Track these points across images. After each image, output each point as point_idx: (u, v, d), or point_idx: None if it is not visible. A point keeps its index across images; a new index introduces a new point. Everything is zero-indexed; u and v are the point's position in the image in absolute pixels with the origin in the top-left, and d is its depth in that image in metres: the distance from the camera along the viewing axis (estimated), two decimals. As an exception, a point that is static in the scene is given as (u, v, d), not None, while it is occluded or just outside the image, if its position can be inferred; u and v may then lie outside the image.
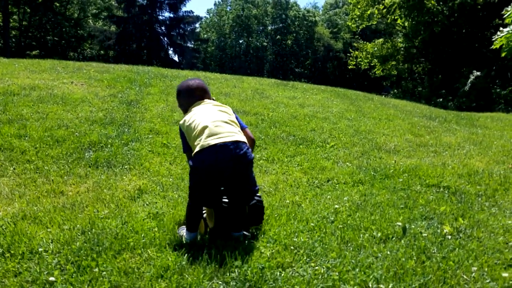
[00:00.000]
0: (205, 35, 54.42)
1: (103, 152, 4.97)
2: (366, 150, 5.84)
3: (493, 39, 16.61)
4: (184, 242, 2.90)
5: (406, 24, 21.64)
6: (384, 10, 23.02)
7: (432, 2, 19.82)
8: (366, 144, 6.16)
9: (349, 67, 29.58)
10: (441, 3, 20.36)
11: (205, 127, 2.81)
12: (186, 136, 2.98)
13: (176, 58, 43.92)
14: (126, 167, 4.64)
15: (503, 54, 17.09)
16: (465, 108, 16.33)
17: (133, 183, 4.19)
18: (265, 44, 57.82)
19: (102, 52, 42.08)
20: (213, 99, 3.24)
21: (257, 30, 58.19)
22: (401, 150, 6.01)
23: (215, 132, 2.79)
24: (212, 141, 2.75)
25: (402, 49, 24.22)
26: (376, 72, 26.43)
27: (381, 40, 25.78)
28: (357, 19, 26.25)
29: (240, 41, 57.00)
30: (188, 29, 44.09)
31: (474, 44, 20.02)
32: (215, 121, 2.86)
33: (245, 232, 2.99)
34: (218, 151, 2.72)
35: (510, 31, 16.99)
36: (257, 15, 57.20)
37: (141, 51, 41.34)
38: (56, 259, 2.62)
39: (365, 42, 28.18)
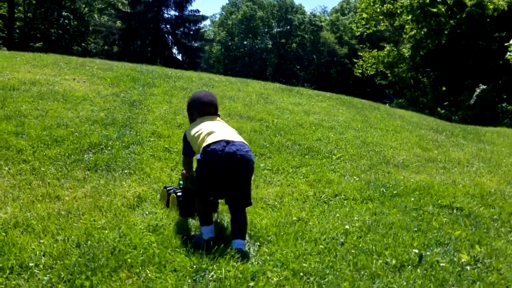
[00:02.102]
0: (212, 35, 54.20)
1: (103, 155, 4.78)
2: (373, 164, 5.66)
3: (507, 54, 16.45)
4: (204, 237, 2.99)
5: (413, 32, 21.43)
6: (389, 15, 22.85)
7: (440, 7, 19.64)
8: (374, 157, 5.97)
9: (355, 74, 29.39)
10: (449, 12, 20.19)
11: (214, 130, 3.09)
12: (190, 145, 3.25)
13: (179, 57, 43.80)
14: (126, 171, 4.46)
15: (513, 68, 16.84)
16: (469, 121, 16.14)
17: (132, 190, 4.00)
18: (269, 46, 57.75)
19: (106, 47, 41.91)
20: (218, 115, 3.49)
21: (262, 32, 58.11)
22: (410, 165, 5.83)
23: (225, 132, 3.11)
24: (222, 137, 3.01)
25: (408, 57, 24.03)
26: (383, 79, 26.23)
27: (388, 47, 25.58)
28: (364, 23, 26.08)
29: (245, 43, 56.90)
30: (193, 28, 43.98)
31: (480, 57, 19.86)
32: (225, 131, 3.16)
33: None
34: (230, 144, 2.97)
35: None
36: (263, 17, 57.12)
37: (145, 48, 41.23)
38: (47, 275, 2.44)
39: (370, 50, 28.00)
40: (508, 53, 16.19)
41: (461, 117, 17.53)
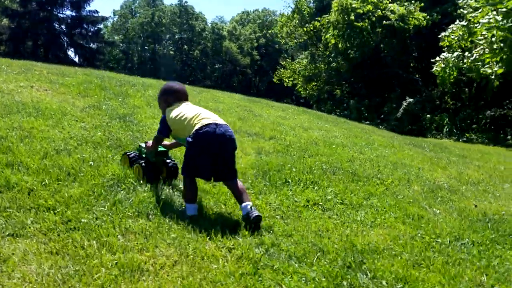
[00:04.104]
0: (110, 38, 50.87)
1: (141, 192, 3.57)
2: (430, 189, 5.10)
3: (434, 68, 17.31)
4: (188, 213, 3.32)
5: (339, 45, 21.86)
6: (312, 31, 23.16)
7: (365, 24, 20.25)
8: (419, 180, 5.43)
9: (274, 81, 29.39)
10: (373, 27, 20.87)
11: (200, 113, 3.43)
12: (169, 126, 3.55)
13: (76, 59, 40.37)
14: (173, 217, 3.34)
15: (438, 81, 17.87)
16: (399, 133, 16.71)
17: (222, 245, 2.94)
18: (172, 52, 55.89)
19: (-8, 47, 37.03)
20: None
21: (164, 38, 56.08)
22: (459, 189, 5.37)
23: (211, 116, 3.46)
24: (212, 120, 3.37)
25: (326, 70, 24.52)
26: (301, 92, 26.47)
27: (306, 60, 25.92)
28: (285, 36, 26.17)
29: (146, 47, 54.40)
30: (92, 29, 40.84)
31: (403, 70, 20.85)
32: (211, 114, 3.50)
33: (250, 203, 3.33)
34: (218, 126, 3.33)
35: (442, 63, 17.72)
36: (164, 23, 55.18)
37: (37, 49, 37.25)
38: None
39: (292, 61, 28.19)
40: (434, 67, 17.13)
41: (389, 128, 18.08)
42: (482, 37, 14.69)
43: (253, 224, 3.22)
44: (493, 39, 14.13)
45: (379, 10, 20.15)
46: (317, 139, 6.64)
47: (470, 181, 5.94)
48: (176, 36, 56.98)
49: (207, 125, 3.31)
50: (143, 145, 4.00)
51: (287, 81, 26.68)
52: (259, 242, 3.09)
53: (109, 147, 4.50)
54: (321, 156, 5.68)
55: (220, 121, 3.42)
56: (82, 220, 3.01)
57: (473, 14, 16.00)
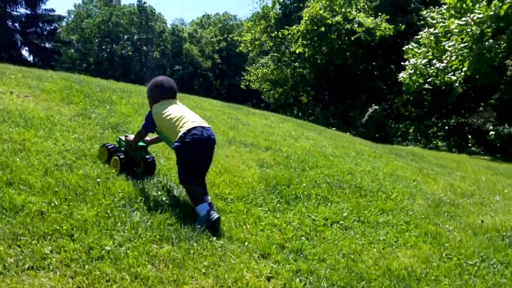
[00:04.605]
0: (65, 38, 49.06)
1: (159, 213, 3.32)
2: (435, 203, 5.09)
3: (400, 75, 17.69)
4: (202, 216, 3.29)
5: (307, 54, 21.94)
6: (278, 39, 23.18)
7: (334, 36, 20.49)
8: (421, 194, 5.42)
9: (242, 86, 29.20)
10: (341, 38, 21.11)
11: (185, 116, 3.53)
12: (154, 122, 3.65)
13: (31, 58, 38.64)
14: (208, 236, 3.13)
15: (403, 89, 18.28)
16: (368, 140, 16.96)
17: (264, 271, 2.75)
18: (130, 53, 54.59)
19: None
20: None
21: (122, 38, 54.69)
22: (461, 203, 5.38)
23: (196, 119, 3.57)
24: (198, 124, 3.49)
25: (290, 77, 24.61)
26: (268, 96, 26.42)
27: (272, 65, 25.92)
28: (249, 43, 26.07)
29: (103, 47, 52.85)
30: (48, 28, 39.29)
31: (368, 77, 21.20)
32: (195, 117, 3.61)
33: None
34: (204, 129, 3.48)
35: (410, 70, 18.14)
36: (122, 23, 53.83)
37: (-12, 47, 35.34)
38: None
39: (257, 67, 28.11)
40: (401, 74, 17.50)
41: (356, 134, 18.31)
42: (450, 45, 15.15)
43: (213, 227, 3.27)
44: (461, 46, 14.61)
45: (347, 23, 20.42)
46: (310, 150, 6.53)
47: (464, 193, 5.99)
48: (135, 37, 55.73)
49: (194, 128, 3.42)
50: (123, 138, 4.03)
51: (254, 86, 26.57)
52: (296, 269, 2.93)
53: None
54: (322, 169, 5.56)
55: (205, 124, 3.56)
56: (106, 247, 2.73)
57: (442, 24, 16.50)
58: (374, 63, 21.44)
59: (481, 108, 21.39)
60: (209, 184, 4.13)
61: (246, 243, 3.19)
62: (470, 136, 17.42)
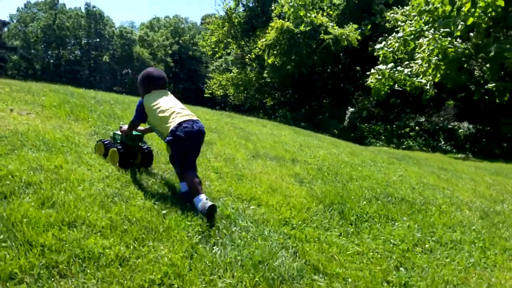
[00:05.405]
0: (9, 43, 46.34)
1: (232, 248, 2.94)
2: (483, 212, 4.96)
3: (367, 81, 17.80)
4: (200, 207, 3.29)
5: (276, 62, 21.64)
6: (242, 42, 22.85)
7: (303, 43, 20.37)
8: (459, 202, 5.29)
9: (205, 95, 28.59)
10: (310, 45, 20.99)
11: (175, 110, 3.59)
12: (145, 113, 3.69)
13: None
14: None
15: (372, 92, 18.46)
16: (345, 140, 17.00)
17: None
18: (78, 58, 52.36)
19: None
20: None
21: (69, 42, 52.36)
22: (501, 211, 5.28)
23: (186, 113, 3.62)
24: (188, 117, 3.57)
25: (253, 80, 24.36)
26: (232, 100, 26.02)
27: (236, 71, 25.57)
28: (213, 46, 25.56)
29: (49, 52, 50.34)
30: (-10, 34, 37.10)
31: (334, 80, 21.29)
32: (185, 110, 3.68)
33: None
34: (194, 122, 3.56)
35: (377, 74, 18.32)
36: (69, 27, 51.54)
37: None
38: None
39: (220, 73, 27.61)
40: (369, 80, 17.64)
41: (330, 136, 18.30)
42: (420, 53, 15.37)
43: (209, 214, 3.28)
44: (432, 56, 14.84)
45: (316, 33, 20.39)
46: (330, 159, 6.29)
47: (495, 199, 5.93)
48: (83, 41, 53.55)
49: (185, 121, 3.50)
50: (118, 132, 4.06)
51: (218, 93, 26.08)
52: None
53: (157, 191, 3.71)
54: (359, 181, 5.31)
55: (194, 117, 3.64)
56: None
57: (409, 29, 16.74)
58: (341, 67, 21.58)
59: (443, 107, 22.10)
60: (274, 212, 3.77)
61: (349, 280, 2.86)
62: (440, 135, 17.83)
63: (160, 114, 3.57)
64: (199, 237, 3.00)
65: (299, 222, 3.68)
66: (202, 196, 3.35)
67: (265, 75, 22.78)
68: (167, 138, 3.51)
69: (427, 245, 3.63)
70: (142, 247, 2.71)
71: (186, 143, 3.49)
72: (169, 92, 3.87)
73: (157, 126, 3.67)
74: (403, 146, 17.21)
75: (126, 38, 56.62)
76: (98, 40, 53.22)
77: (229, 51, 26.33)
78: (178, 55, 60.22)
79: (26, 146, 3.92)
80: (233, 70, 26.07)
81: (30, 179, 3.25)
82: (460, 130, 17.12)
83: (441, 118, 23.39)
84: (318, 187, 4.69)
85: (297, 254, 3.06)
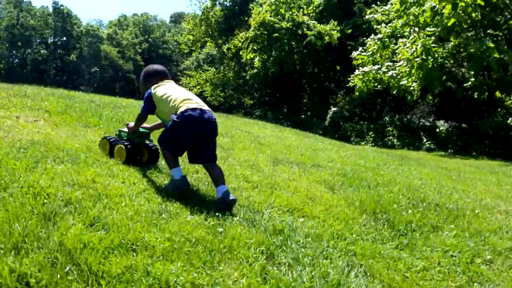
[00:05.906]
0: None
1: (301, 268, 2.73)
2: (509, 215, 4.89)
3: (351, 80, 17.82)
4: (177, 178, 3.43)
5: (257, 60, 21.40)
6: (220, 40, 22.58)
7: (284, 39, 20.23)
8: (484, 206, 5.21)
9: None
10: (291, 40, 20.88)
11: (185, 96, 3.54)
12: (154, 103, 3.64)
13: None
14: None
15: (356, 93, 18.48)
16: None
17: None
18: (45, 57, 50.63)
19: None
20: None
21: (35, 41, 50.56)
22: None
23: (197, 100, 3.59)
24: (198, 105, 3.48)
25: (232, 79, 24.12)
26: (210, 100, 25.64)
27: (212, 69, 25.23)
28: (190, 44, 25.13)
29: (14, 51, 48.47)
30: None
31: (315, 79, 21.26)
32: (196, 98, 3.62)
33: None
34: (203, 111, 3.46)
35: (361, 75, 18.36)
36: (34, 26, 49.76)
37: None
38: None
39: (199, 71, 27.15)
40: (354, 81, 17.66)
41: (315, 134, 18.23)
42: (401, 53, 15.45)
43: (228, 206, 3.28)
44: (415, 55, 14.94)
45: (296, 28, 20.29)
46: (348, 163, 6.14)
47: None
48: (50, 40, 51.84)
49: (193, 109, 3.42)
50: (123, 129, 4.01)
51: (195, 90, 25.64)
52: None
53: (200, 203, 3.45)
54: (388, 186, 5.15)
55: (205, 107, 3.55)
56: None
57: (389, 25, 16.83)
58: (321, 66, 21.56)
59: (419, 105, 22.43)
60: (321, 224, 3.56)
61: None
62: (421, 133, 18.03)
63: (171, 101, 3.50)
64: (264, 256, 2.76)
65: (353, 235, 3.48)
66: (181, 172, 3.48)
67: (244, 74, 22.56)
68: (172, 115, 3.43)
69: (484, 257, 3.48)
70: (215, 272, 2.45)
71: (188, 128, 3.39)
72: (174, 82, 3.86)
73: (167, 114, 3.55)
74: (388, 145, 17.31)
75: (93, 36, 55.21)
76: (65, 39, 51.61)
77: (205, 50, 25.93)
78: (148, 53, 59.22)
79: (49, 158, 3.58)
80: (210, 70, 25.71)
81: (67, 196, 2.93)
82: (441, 128, 17.37)
83: (418, 116, 23.71)
84: (352, 194, 4.51)
85: (368, 274, 2.86)
